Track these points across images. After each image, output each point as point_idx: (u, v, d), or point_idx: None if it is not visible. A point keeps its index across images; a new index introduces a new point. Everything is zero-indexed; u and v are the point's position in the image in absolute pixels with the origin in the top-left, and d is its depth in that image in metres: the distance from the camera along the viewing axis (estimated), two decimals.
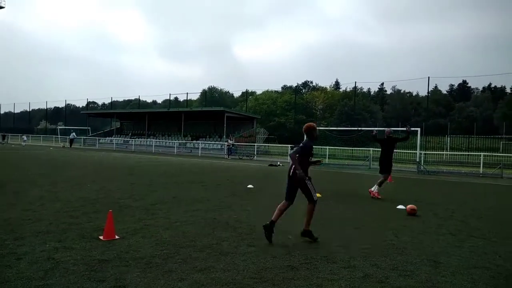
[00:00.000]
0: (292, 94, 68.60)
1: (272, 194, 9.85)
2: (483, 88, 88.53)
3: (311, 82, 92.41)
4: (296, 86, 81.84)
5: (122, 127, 52.46)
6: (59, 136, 51.64)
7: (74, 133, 42.57)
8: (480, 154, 22.81)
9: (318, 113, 70.92)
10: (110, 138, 46.79)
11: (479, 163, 21.79)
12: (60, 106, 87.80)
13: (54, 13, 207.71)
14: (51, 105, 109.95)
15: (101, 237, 5.06)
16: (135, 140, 41.86)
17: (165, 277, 3.76)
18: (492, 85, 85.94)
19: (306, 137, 5.69)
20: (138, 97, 66.63)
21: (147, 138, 42.65)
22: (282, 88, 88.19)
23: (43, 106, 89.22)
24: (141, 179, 12.46)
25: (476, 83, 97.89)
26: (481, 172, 20.60)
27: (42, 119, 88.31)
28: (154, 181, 12.01)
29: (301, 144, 5.50)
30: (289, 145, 26.10)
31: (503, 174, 19.06)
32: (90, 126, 53.73)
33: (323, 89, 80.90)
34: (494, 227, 6.74)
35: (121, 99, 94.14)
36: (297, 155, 5.37)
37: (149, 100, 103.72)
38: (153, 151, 36.79)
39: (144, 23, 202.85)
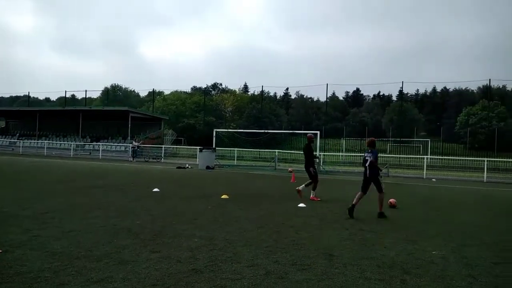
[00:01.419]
0: (201, 96, 68.29)
1: (179, 197, 9.67)
2: (374, 95, 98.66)
3: (221, 84, 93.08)
4: (205, 88, 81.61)
5: (8, 126, 46.62)
6: None
7: None
8: None
9: (227, 115, 71.69)
10: None
11: None
12: None
13: None
14: None
15: None
16: (23, 142, 37.55)
17: None
18: (381, 93, 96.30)
19: (372, 147, 8.30)
20: (27, 94, 60.09)
21: (38, 139, 38.56)
22: (192, 89, 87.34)
23: None
24: (30, 184, 11.21)
25: (368, 91, 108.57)
26: None
27: None
28: (46, 187, 10.91)
29: (374, 153, 8.14)
30: (198, 147, 25.85)
31: (389, 173, 21.43)
32: None
33: (232, 92, 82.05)
34: (380, 221, 7.55)
35: (7, 95, 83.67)
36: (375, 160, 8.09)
37: (41, 97, 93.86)
38: (45, 153, 33.42)
39: (33, 10, 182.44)
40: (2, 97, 79.44)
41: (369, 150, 8.22)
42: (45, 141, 36.36)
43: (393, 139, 54.01)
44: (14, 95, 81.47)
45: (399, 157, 28.70)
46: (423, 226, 7.23)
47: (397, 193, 13.01)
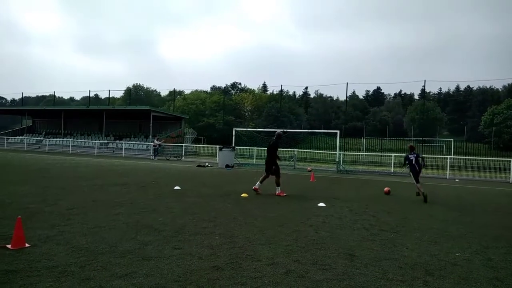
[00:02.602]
0: (221, 95, 68.71)
1: (200, 195, 9.78)
2: (395, 94, 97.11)
3: (240, 84, 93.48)
4: (225, 87, 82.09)
5: (35, 125, 48.07)
6: None
7: None
8: (392, 155, 24.95)
9: (246, 114, 71.92)
10: (20, 137, 42.60)
11: (391, 163, 23.83)
12: None
13: None
14: None
15: (8, 246, 4.60)
16: (49, 140, 38.66)
17: (81, 285, 3.54)
18: (403, 92, 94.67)
19: (413, 151, 11.31)
20: (53, 93, 61.75)
21: (63, 138, 39.62)
22: (211, 88, 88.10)
23: None
24: (56, 182, 11.55)
25: (389, 90, 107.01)
26: (392, 171, 22.55)
27: None
28: (71, 184, 11.22)
29: (416, 154, 11.15)
30: (217, 146, 26.08)
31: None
32: None
33: (251, 91, 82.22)
34: (402, 221, 7.43)
35: (33, 95, 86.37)
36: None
37: (66, 97, 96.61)
38: (70, 151, 34.32)
39: (56, 13, 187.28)
40: (28, 97, 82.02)
41: (412, 153, 11.14)
42: (70, 139, 37.36)
43: (415, 138, 52.97)
44: (40, 94, 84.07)
45: (421, 157, 28.08)
46: (445, 227, 7.08)
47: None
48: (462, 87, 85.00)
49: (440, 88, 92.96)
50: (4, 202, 7.67)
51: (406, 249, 5.34)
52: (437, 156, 29.99)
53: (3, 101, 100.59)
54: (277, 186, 10.61)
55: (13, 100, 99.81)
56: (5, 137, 41.98)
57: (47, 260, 4.21)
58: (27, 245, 4.69)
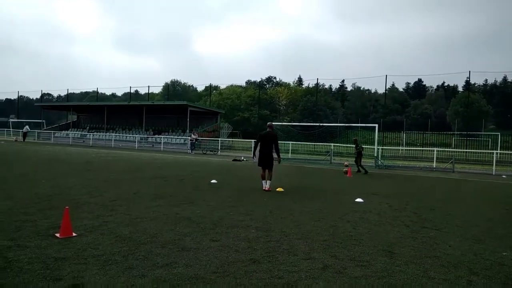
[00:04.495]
0: (256, 89, 68.86)
1: (236, 189, 9.89)
2: (437, 86, 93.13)
3: (275, 78, 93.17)
4: (260, 82, 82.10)
5: (79, 120, 50.40)
6: (11, 129, 48.97)
7: (27, 126, 40.37)
8: (434, 150, 24.02)
9: (281, 108, 71.67)
10: (66, 131, 44.86)
11: (433, 158, 22.96)
12: (12, 98, 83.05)
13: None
14: (2, 97, 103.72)
15: (57, 235, 4.88)
16: (93, 134, 40.42)
17: (125, 274, 3.69)
18: (446, 84, 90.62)
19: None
20: (96, 90, 64.35)
21: (106, 132, 41.29)
22: (246, 83, 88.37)
23: None
24: (100, 174, 12.08)
25: (431, 82, 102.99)
26: (434, 166, 21.73)
27: None
28: (114, 176, 11.69)
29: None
30: (253, 140, 26.19)
31: (454, 168, 20.19)
32: (45, 119, 51.20)
33: (286, 85, 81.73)
34: (445, 218, 7.15)
35: (78, 92, 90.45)
36: None
37: (108, 93, 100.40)
38: (113, 145, 35.72)
39: (97, 13, 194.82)
40: (73, 93, 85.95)
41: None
42: (113, 134, 38.86)
43: (458, 132, 50.63)
44: (84, 91, 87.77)
45: (466, 152, 26.89)
46: (491, 224, 6.75)
47: (462, 190, 12.26)
48: (510, 78, 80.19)
49: (486, 80, 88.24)
50: (53, 193, 8.12)
51: (449, 247, 5.15)
52: (482, 151, 28.59)
53: (50, 97, 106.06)
54: (269, 180, 9.96)
55: (59, 97, 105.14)
56: (52, 131, 44.32)
57: (92, 249, 4.43)
58: (74, 234, 4.94)
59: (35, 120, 50.49)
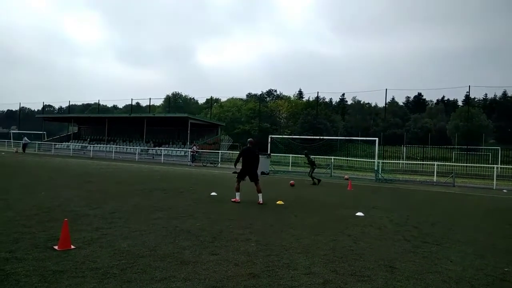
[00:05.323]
0: (256, 102, 69.19)
1: (236, 202, 9.84)
2: (437, 100, 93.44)
3: (275, 91, 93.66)
4: (260, 95, 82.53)
5: (80, 132, 50.50)
6: (11, 140, 49.01)
7: (26, 138, 40.35)
8: (434, 164, 23.97)
9: (282, 121, 71.85)
10: (67, 143, 44.85)
11: (433, 172, 22.90)
12: (13, 109, 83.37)
13: (5, 11, 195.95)
14: (3, 108, 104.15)
15: (55, 247, 4.84)
16: (93, 146, 40.43)
17: (123, 287, 3.65)
18: (446, 98, 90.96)
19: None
20: (97, 102, 64.65)
21: (106, 144, 41.31)
22: (247, 96, 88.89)
23: None
24: (99, 186, 12.04)
25: (431, 96, 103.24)
26: (434, 180, 21.66)
27: None
28: (113, 188, 11.65)
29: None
30: None
31: (455, 182, 20.12)
32: (46, 131, 51.24)
33: (287, 98, 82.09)
34: (446, 233, 7.10)
35: (79, 103, 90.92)
36: None
37: (109, 105, 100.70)
38: (113, 157, 35.69)
39: (100, 26, 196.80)
40: (75, 105, 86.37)
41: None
42: (113, 146, 38.87)
43: (458, 146, 50.62)
44: (85, 103, 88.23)
45: (466, 166, 26.86)
46: (493, 240, 6.70)
47: (463, 204, 12.20)
48: (509, 93, 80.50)
49: (486, 94, 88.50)
50: (52, 205, 8.09)
51: (450, 262, 5.10)
52: (482, 165, 28.55)
53: (51, 109, 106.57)
54: (237, 192, 10.09)
55: (60, 108, 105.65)
56: (53, 143, 44.32)
57: (90, 261, 4.39)
58: (72, 246, 4.91)
59: (36, 132, 50.50)
